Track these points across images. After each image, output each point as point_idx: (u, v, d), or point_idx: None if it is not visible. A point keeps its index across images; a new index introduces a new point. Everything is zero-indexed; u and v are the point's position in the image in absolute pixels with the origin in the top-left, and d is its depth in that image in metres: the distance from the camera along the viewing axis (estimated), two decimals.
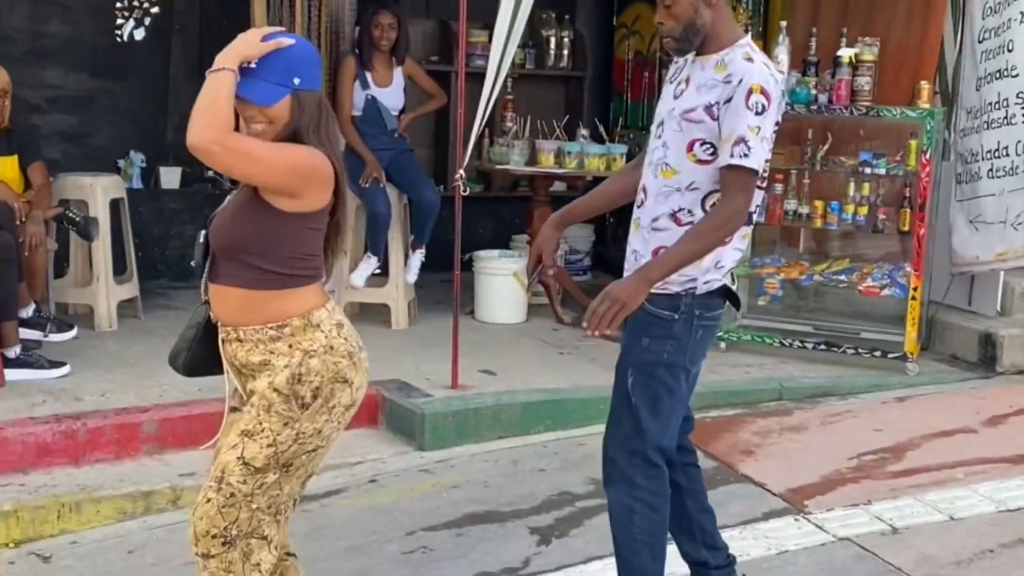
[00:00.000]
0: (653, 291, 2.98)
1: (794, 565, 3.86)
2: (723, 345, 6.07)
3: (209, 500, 2.63)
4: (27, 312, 5.09)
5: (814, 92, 5.88)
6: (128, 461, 4.20)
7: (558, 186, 7.32)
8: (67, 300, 5.91)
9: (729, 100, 2.91)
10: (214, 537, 2.63)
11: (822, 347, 5.98)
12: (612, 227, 8.46)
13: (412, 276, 6.29)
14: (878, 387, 5.69)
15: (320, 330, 2.65)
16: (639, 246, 3.12)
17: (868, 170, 5.86)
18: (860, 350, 5.93)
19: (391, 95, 6.21)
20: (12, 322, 4.85)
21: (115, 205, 5.85)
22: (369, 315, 6.26)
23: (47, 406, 4.47)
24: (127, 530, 3.98)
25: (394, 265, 6.24)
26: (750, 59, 2.95)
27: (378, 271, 6.19)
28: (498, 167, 6.70)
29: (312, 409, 2.62)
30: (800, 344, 6.00)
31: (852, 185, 5.96)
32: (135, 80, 6.92)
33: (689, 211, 3.01)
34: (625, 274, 3.10)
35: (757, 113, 2.89)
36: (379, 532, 4.00)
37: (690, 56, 3.07)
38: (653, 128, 3.16)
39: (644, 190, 3.12)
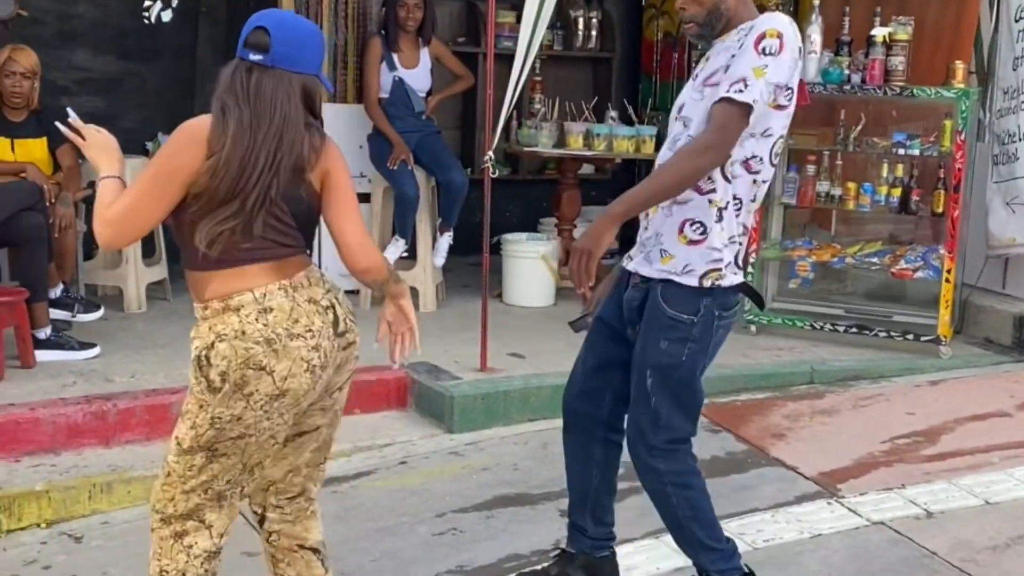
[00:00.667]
0: (671, 292, 2.92)
1: (827, 549, 3.82)
2: (753, 328, 6.02)
3: (157, 476, 2.68)
4: (55, 292, 5.11)
5: (847, 72, 5.81)
6: (158, 442, 4.18)
7: (586, 168, 7.28)
8: (96, 282, 5.93)
9: (741, 46, 2.85)
10: (155, 512, 2.65)
11: (854, 330, 5.92)
12: None
13: (440, 259, 6.27)
14: (910, 370, 5.63)
15: (237, 314, 2.54)
16: (660, 226, 2.97)
17: (902, 151, 5.79)
18: (892, 333, 5.87)
19: (418, 76, 6.18)
20: (43, 303, 4.86)
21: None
22: None
23: (78, 387, 4.49)
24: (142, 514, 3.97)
25: (422, 248, 6.22)
26: (757, 23, 2.87)
27: (405, 254, 6.17)
28: (526, 149, 6.66)
29: (223, 394, 2.53)
30: (832, 327, 5.94)
31: (885, 166, 5.89)
32: (163, 62, 6.91)
33: (709, 178, 2.87)
34: (636, 261, 3.05)
35: (767, 53, 2.79)
36: (409, 514, 3.99)
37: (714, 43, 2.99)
38: (673, 112, 3.07)
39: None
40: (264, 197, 2.53)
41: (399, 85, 6.10)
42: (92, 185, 5.52)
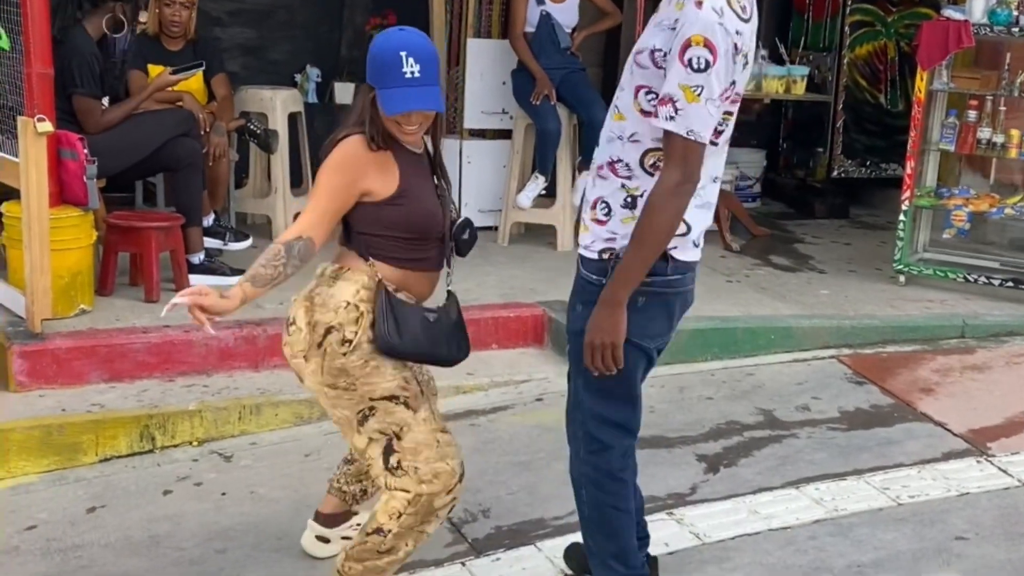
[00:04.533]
0: (582, 254, 2.74)
1: (975, 508, 3.70)
2: (902, 279, 5.83)
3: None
4: (207, 221, 5.26)
5: (1015, 13, 5.51)
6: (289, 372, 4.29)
7: None
8: (246, 210, 6.09)
9: (676, 33, 2.53)
10: None
11: (1009, 284, 5.67)
12: (785, 152, 8.20)
13: (579, 198, 6.22)
14: None
15: None
16: (587, 190, 2.81)
17: None
18: None
19: (565, 11, 6.09)
20: (197, 228, 5.01)
21: (293, 119, 5.96)
22: (535, 236, 6.25)
23: None
24: (303, 434, 4.10)
25: (561, 185, 6.18)
26: (700, 2, 2.50)
27: (544, 192, 6.15)
28: None
29: None
30: (986, 280, 5.70)
31: None
32: None
33: (627, 165, 2.66)
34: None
35: (695, 70, 2.47)
36: (545, 450, 4.01)
37: None
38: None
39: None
40: None
41: (546, 19, 6.02)
42: (245, 115, 5.65)
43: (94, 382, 4.15)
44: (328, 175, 2.73)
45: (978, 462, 4.03)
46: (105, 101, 4.93)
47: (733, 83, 2.58)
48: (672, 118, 2.51)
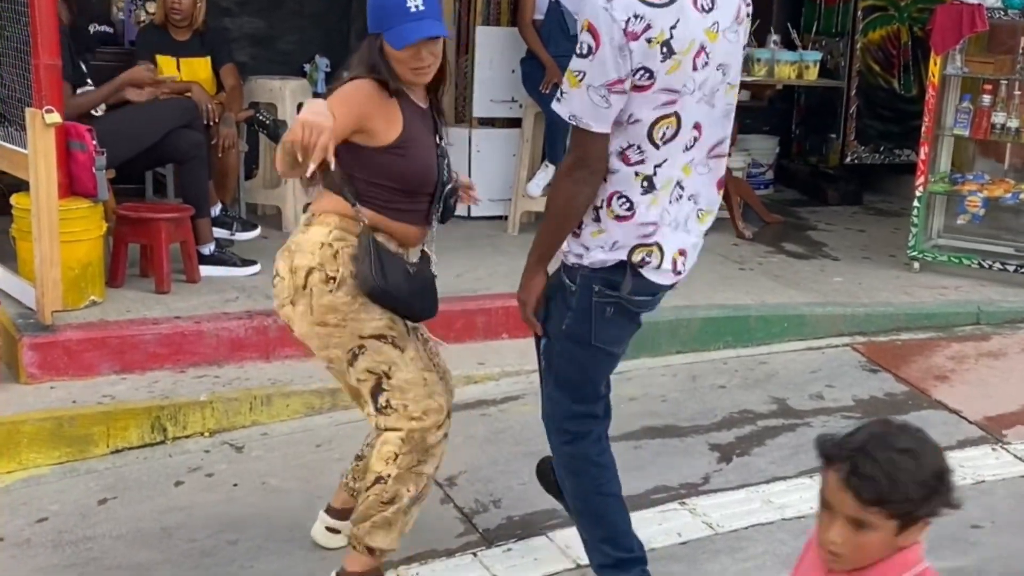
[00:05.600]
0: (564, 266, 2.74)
1: (991, 496, 3.67)
2: (916, 265, 5.79)
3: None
4: (215, 211, 5.25)
5: None
6: (314, 358, 4.28)
7: (742, 95, 7.04)
8: (256, 201, 6.07)
9: None
10: None
11: None
12: (797, 139, 8.15)
13: None
14: None
15: None
16: None
17: None
18: None
19: None
20: (206, 219, 5.00)
21: (302, 109, 5.92)
22: None
23: (239, 302, 4.62)
24: (315, 424, 4.09)
25: None
26: None
27: None
28: None
29: None
30: (1001, 266, 5.66)
31: None
32: None
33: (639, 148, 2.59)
34: None
35: (580, 55, 2.47)
36: None
37: None
38: None
39: None
40: None
41: (555, 7, 5.98)
42: (254, 106, 5.63)
43: (105, 374, 4.15)
44: (337, 104, 2.71)
45: (993, 450, 4.00)
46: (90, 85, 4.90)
47: (647, 72, 2.46)
48: (559, 100, 2.54)
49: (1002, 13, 5.48)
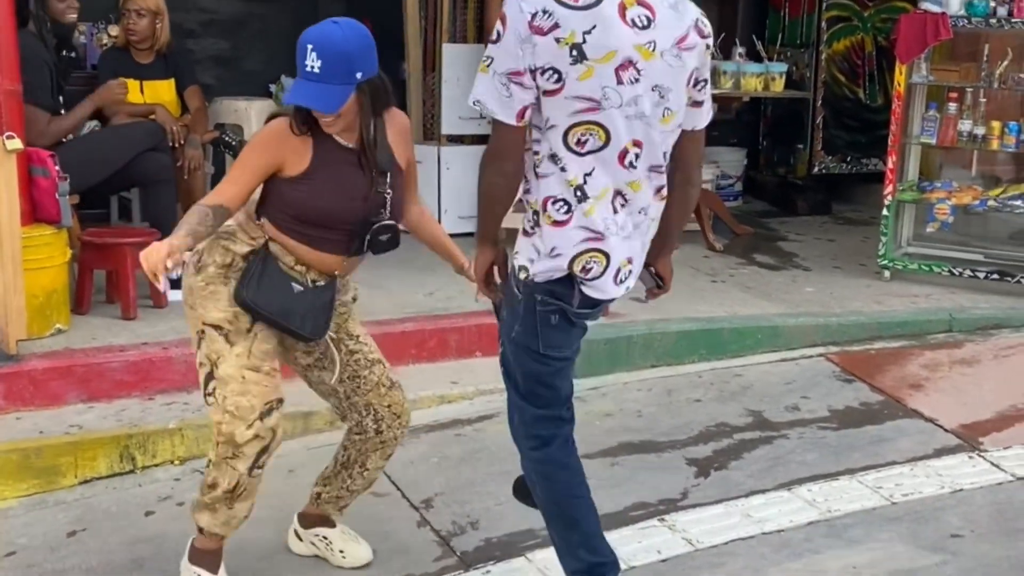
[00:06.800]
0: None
1: (969, 505, 3.67)
2: (887, 274, 5.81)
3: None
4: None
5: (992, 4, 5.52)
6: (286, 382, 4.22)
7: None
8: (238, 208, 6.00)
9: None
10: None
11: (994, 276, 5.65)
12: (765, 150, 8.18)
13: None
14: None
15: None
16: None
17: None
18: None
19: None
20: None
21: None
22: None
23: None
24: (288, 450, 4.00)
25: None
26: None
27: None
28: None
29: None
30: (971, 273, 5.68)
31: None
32: (285, 4, 6.92)
33: (525, 178, 2.64)
34: None
35: (491, 41, 2.50)
36: None
37: None
38: None
39: None
40: None
41: None
42: (220, 127, 5.58)
43: (72, 403, 4.07)
44: (250, 151, 2.85)
45: (970, 458, 4.00)
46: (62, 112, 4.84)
47: (554, 72, 2.45)
48: (475, 87, 2.54)
49: (966, 21, 5.52)
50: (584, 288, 2.65)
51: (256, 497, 3.03)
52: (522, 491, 3.22)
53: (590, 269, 2.62)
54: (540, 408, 2.82)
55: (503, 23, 2.48)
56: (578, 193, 2.57)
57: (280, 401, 2.97)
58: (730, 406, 4.45)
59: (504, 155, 2.57)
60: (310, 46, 2.70)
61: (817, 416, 4.36)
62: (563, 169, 2.56)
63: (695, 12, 2.62)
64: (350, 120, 2.80)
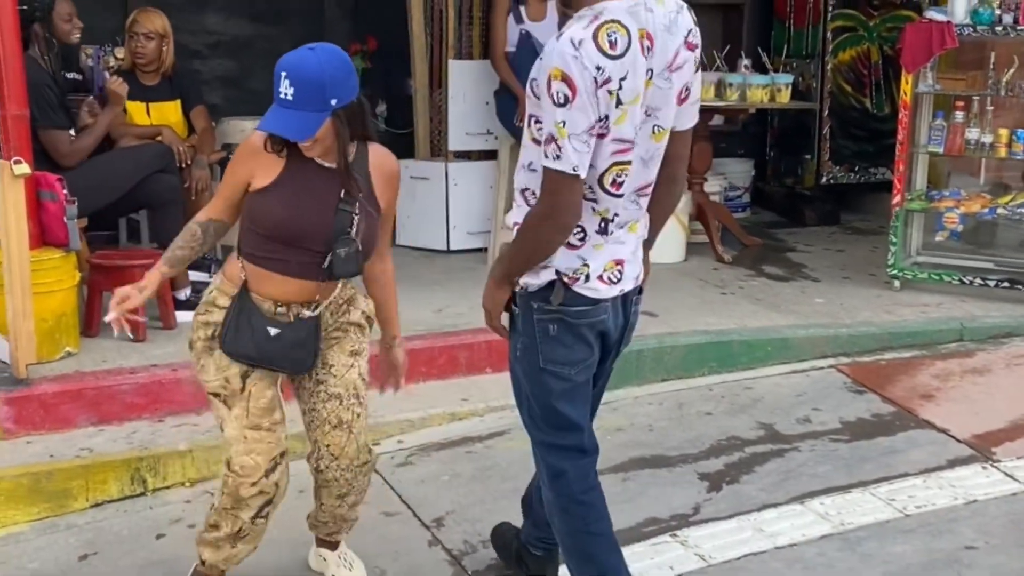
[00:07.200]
0: None
1: (983, 516, 3.64)
2: (897, 284, 5.78)
3: (359, 416, 3.02)
4: None
5: (998, 12, 5.51)
6: (293, 402, 4.22)
7: (715, 119, 7.08)
8: (231, 243, 5.98)
9: (539, 82, 2.51)
10: (369, 443, 3.06)
11: (1005, 285, 5.63)
12: (772, 161, 8.17)
13: None
14: None
15: None
16: (509, 215, 2.84)
17: None
18: None
19: (546, 29, 6.03)
20: None
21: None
22: None
23: None
24: (297, 470, 3.95)
25: None
26: (560, 35, 2.47)
27: None
28: None
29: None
30: (981, 282, 5.66)
31: None
32: (291, 23, 6.95)
33: (534, 193, 2.60)
34: None
35: (558, 104, 2.43)
36: None
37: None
38: None
39: None
40: None
41: (526, 38, 5.98)
42: (227, 147, 5.60)
43: (82, 426, 4.07)
44: (230, 164, 2.94)
45: (984, 468, 3.98)
46: (72, 132, 4.86)
47: (604, 121, 2.47)
48: (557, 157, 2.46)
49: (971, 29, 5.51)
50: (575, 288, 2.63)
51: (260, 540, 3.07)
52: (498, 541, 3.28)
53: (577, 279, 2.62)
54: (552, 435, 2.78)
55: (568, 84, 2.41)
56: (602, 224, 2.60)
57: (283, 454, 3.01)
58: (741, 419, 4.43)
59: (568, 209, 2.53)
60: (283, 73, 2.71)
61: (829, 428, 4.34)
62: (595, 200, 2.59)
63: (686, 25, 2.60)
64: (328, 145, 2.80)
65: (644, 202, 2.70)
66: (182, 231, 2.91)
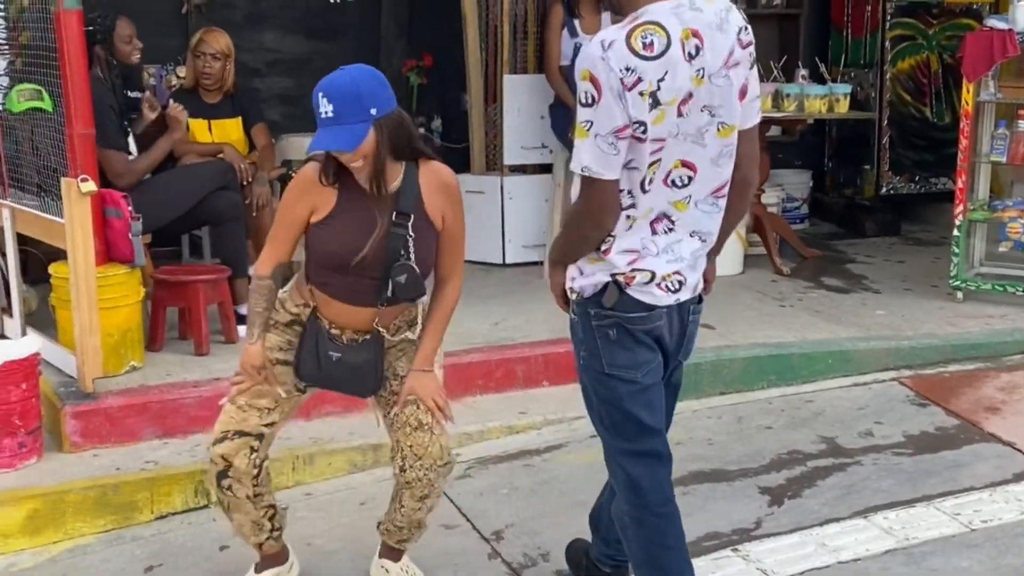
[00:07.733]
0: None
1: None
2: (960, 295, 5.69)
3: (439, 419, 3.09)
4: (252, 270, 5.25)
5: None
6: (355, 414, 4.26)
7: (773, 130, 7.03)
8: (294, 258, 6.07)
9: None
10: (450, 447, 3.11)
11: None
12: (830, 172, 8.09)
13: None
14: None
15: None
16: None
17: None
18: None
19: None
20: (243, 279, 5.00)
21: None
22: None
23: None
24: (358, 482, 4.06)
25: None
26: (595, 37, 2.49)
27: None
28: None
29: None
30: None
31: None
32: (348, 41, 7.03)
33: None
34: None
35: (584, 105, 2.46)
36: None
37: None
38: None
39: None
40: None
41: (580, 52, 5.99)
42: (287, 164, 5.67)
43: (147, 439, 4.15)
44: (283, 207, 3.03)
45: None
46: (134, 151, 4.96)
47: (641, 124, 2.46)
48: (578, 160, 2.51)
49: None
50: (630, 291, 2.62)
51: (257, 515, 3.15)
52: (572, 556, 3.28)
53: (633, 277, 2.62)
54: (625, 441, 2.75)
55: (594, 84, 2.43)
56: (654, 227, 2.61)
57: (238, 433, 3.07)
58: (802, 432, 4.39)
59: (606, 210, 2.56)
60: (320, 93, 2.78)
61: (891, 442, 4.28)
62: (632, 206, 2.58)
63: (737, 23, 2.59)
64: (367, 166, 2.85)
65: (721, 204, 2.68)
66: (255, 290, 3.07)
